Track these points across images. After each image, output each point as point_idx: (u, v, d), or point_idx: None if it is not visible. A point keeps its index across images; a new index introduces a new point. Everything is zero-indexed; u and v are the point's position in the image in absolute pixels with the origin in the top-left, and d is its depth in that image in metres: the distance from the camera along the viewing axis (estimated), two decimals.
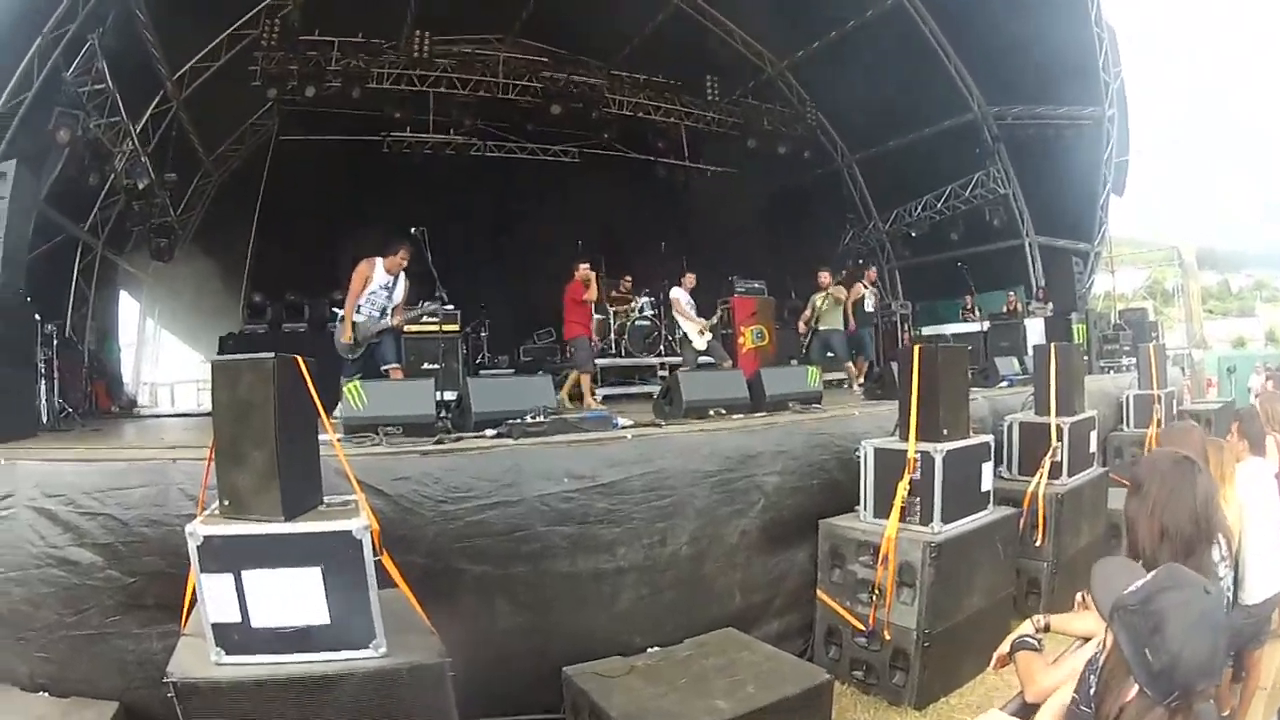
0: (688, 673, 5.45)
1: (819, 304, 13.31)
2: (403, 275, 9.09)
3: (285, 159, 17.37)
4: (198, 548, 3.65)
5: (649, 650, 5.81)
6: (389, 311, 9.01)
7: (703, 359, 12.21)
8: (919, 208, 20.05)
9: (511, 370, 15.79)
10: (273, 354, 3.88)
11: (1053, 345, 8.54)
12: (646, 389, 13.76)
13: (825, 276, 13.50)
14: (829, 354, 13.29)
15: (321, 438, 4.35)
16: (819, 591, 6.68)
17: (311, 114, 16.65)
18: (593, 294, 11.62)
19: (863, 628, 6.22)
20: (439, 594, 4.71)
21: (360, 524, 3.76)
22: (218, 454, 3.96)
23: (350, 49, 15.94)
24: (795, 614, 6.83)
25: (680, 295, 12.56)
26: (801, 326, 13.68)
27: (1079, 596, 3.81)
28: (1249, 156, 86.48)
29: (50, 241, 11.95)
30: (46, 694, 4.93)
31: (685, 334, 12.43)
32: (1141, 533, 3.04)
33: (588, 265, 11.66)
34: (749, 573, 6.56)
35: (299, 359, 4.06)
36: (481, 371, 15.34)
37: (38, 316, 9.21)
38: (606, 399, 12.51)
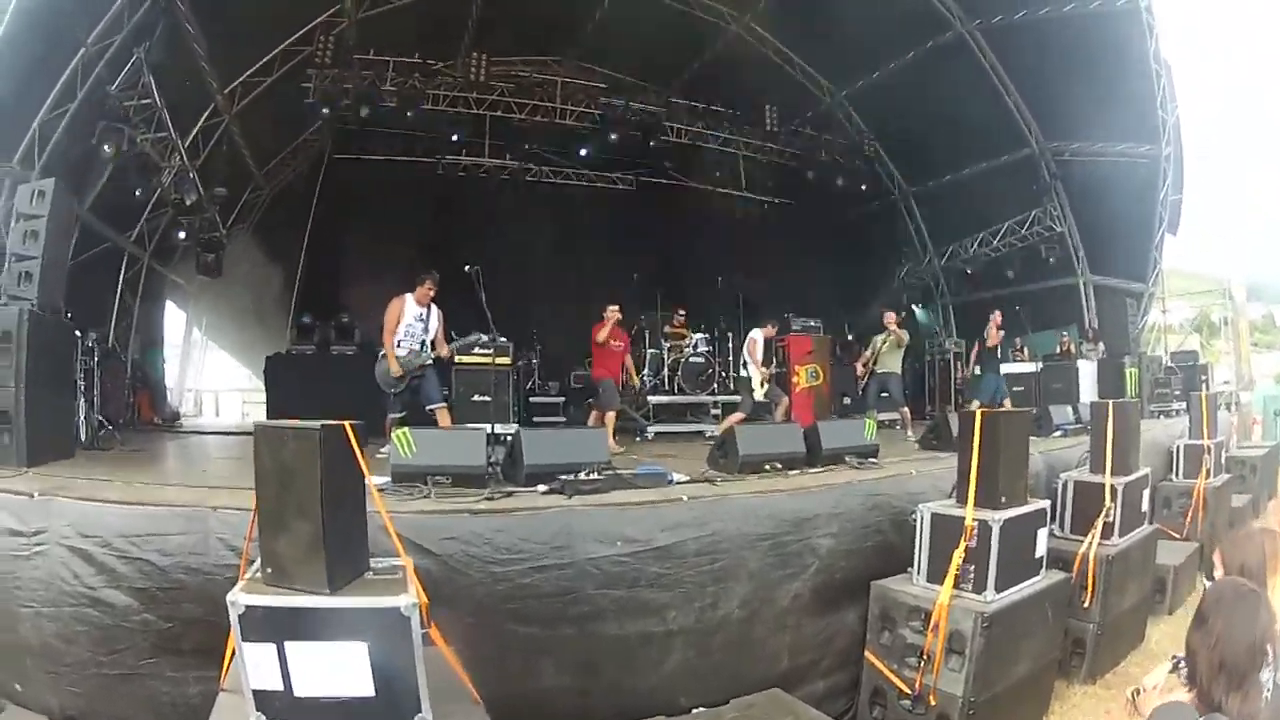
0: None
1: (880, 345, 13.08)
2: (434, 306, 9.24)
3: (338, 177, 17.48)
4: (239, 617, 3.55)
5: (694, 711, 5.71)
6: (428, 344, 9.15)
7: (759, 401, 12.03)
8: (974, 244, 19.81)
9: (562, 398, 15.78)
10: (319, 424, 3.76)
11: (1110, 404, 8.38)
12: (700, 427, 13.74)
13: (891, 316, 13.19)
14: (883, 394, 13.08)
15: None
16: (867, 652, 6.51)
17: (365, 133, 16.70)
18: (603, 336, 11.44)
19: (909, 691, 6.06)
20: (485, 653, 4.63)
21: (408, 601, 3.62)
22: (260, 519, 3.86)
23: (405, 69, 15.97)
24: (842, 674, 6.69)
25: (759, 339, 12.21)
26: (860, 368, 13.51)
27: (1128, 694, 3.92)
28: None
29: (93, 250, 11.97)
30: None
31: (749, 377, 12.13)
32: (1201, 664, 3.20)
33: (617, 308, 11.48)
34: (799, 634, 6.40)
35: (347, 425, 3.93)
36: (532, 399, 15.35)
37: (77, 332, 9.26)
38: (658, 437, 12.41)
